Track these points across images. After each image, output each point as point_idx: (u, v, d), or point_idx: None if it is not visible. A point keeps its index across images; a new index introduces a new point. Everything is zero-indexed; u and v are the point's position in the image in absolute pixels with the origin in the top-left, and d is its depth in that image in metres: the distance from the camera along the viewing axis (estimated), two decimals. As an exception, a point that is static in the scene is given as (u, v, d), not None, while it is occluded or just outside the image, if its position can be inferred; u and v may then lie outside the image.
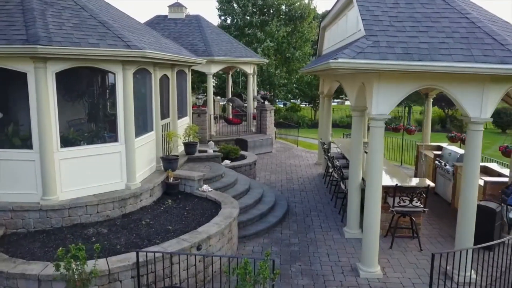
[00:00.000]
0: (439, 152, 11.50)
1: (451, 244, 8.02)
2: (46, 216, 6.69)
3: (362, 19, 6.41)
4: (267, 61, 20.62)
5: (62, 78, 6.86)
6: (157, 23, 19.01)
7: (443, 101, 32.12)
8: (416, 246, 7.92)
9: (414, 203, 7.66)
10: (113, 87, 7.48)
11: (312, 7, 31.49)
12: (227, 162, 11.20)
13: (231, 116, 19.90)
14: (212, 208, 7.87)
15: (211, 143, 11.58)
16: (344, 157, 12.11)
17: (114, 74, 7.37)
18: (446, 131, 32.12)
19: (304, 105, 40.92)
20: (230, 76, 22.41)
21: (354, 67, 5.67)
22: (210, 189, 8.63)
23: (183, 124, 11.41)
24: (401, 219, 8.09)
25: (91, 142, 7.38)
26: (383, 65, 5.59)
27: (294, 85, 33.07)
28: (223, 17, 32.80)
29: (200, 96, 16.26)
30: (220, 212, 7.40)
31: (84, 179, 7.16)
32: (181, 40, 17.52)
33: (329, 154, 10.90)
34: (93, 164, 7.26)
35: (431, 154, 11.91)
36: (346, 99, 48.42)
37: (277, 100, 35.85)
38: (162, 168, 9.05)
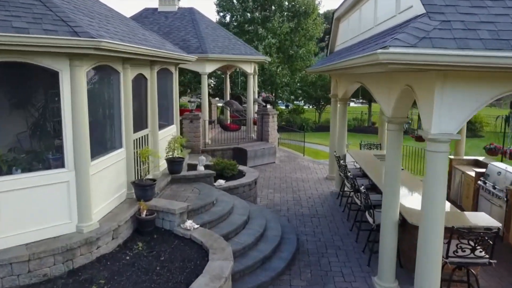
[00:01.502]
0: (482, 170, 9.35)
1: (523, 305, 5.91)
2: (-51, 280, 4.58)
3: (417, -10, 4.27)
4: (269, 59, 18.48)
5: (-24, 79, 4.74)
6: (146, 16, 16.88)
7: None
8: (476, 309, 5.79)
9: (477, 252, 5.52)
10: (57, 91, 5.34)
11: (316, 2, 29.34)
12: (221, 182, 9.06)
13: (228, 122, 17.74)
14: (196, 257, 5.74)
15: (202, 158, 9.44)
16: (364, 175, 9.99)
17: (57, 72, 5.24)
18: (460, 135, 29.94)
19: (307, 107, 38.65)
20: (228, 76, 20.27)
21: (416, 60, 3.55)
22: (195, 226, 6.50)
23: (167, 135, 9.29)
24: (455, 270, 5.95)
25: (25, 169, 5.24)
26: (466, 57, 3.46)
27: (298, 84, 30.89)
28: (221, 13, 30.70)
29: (192, 99, 14.14)
30: (206, 267, 5.26)
31: (11, 224, 5.02)
32: (172, 35, 15.41)
33: (349, 173, 8.74)
34: (27, 200, 5.13)
35: (470, 171, 9.77)
36: (351, 100, 46.20)
37: (279, 102, 33.65)
38: (135, 196, 6.93)
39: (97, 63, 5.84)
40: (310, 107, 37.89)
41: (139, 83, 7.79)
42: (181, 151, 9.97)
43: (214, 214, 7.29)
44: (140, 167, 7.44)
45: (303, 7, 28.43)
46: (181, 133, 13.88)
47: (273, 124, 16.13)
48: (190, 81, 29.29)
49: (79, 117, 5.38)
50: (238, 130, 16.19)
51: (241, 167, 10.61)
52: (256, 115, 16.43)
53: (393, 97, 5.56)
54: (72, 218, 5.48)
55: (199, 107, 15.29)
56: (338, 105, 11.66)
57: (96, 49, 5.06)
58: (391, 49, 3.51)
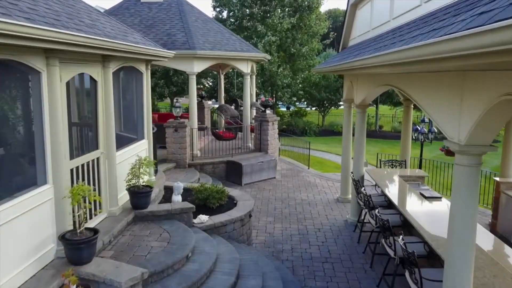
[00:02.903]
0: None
1: None
2: None
3: None
4: (268, 57, 16.18)
5: None
6: (127, 8, 14.62)
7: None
8: None
9: None
10: None
11: (320, -3, 27.01)
12: (203, 218, 6.78)
13: (221, 129, 15.43)
14: None
15: (178, 184, 7.14)
16: (390, 205, 7.74)
17: None
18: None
19: (309, 109, 36.25)
20: (222, 77, 18.01)
21: None
22: (153, 308, 4.25)
23: (133, 154, 7.02)
24: None
25: None
26: None
27: (300, 85, 28.57)
28: (218, 9, 28.44)
29: (178, 104, 11.86)
30: None
31: None
32: (154, 29, 13.17)
33: (377, 212, 6.43)
34: None
35: (529, 200, 7.53)
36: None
37: (279, 103, 31.30)
38: (66, 257, 4.67)
39: (-13, 56, 3.60)
40: (313, 109, 35.58)
41: (91, 88, 5.55)
42: (155, 174, 7.76)
43: (186, 277, 5.02)
44: (77, 210, 5.16)
45: (306, 1, 26.16)
46: (164, 144, 11.67)
47: (273, 132, 13.88)
48: (184, 82, 27.05)
49: None
50: (233, 138, 13.90)
51: (232, 192, 8.33)
52: (253, 122, 14.18)
53: (474, 113, 3.30)
54: None
55: (187, 111, 13.07)
56: (353, 112, 9.41)
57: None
58: None
